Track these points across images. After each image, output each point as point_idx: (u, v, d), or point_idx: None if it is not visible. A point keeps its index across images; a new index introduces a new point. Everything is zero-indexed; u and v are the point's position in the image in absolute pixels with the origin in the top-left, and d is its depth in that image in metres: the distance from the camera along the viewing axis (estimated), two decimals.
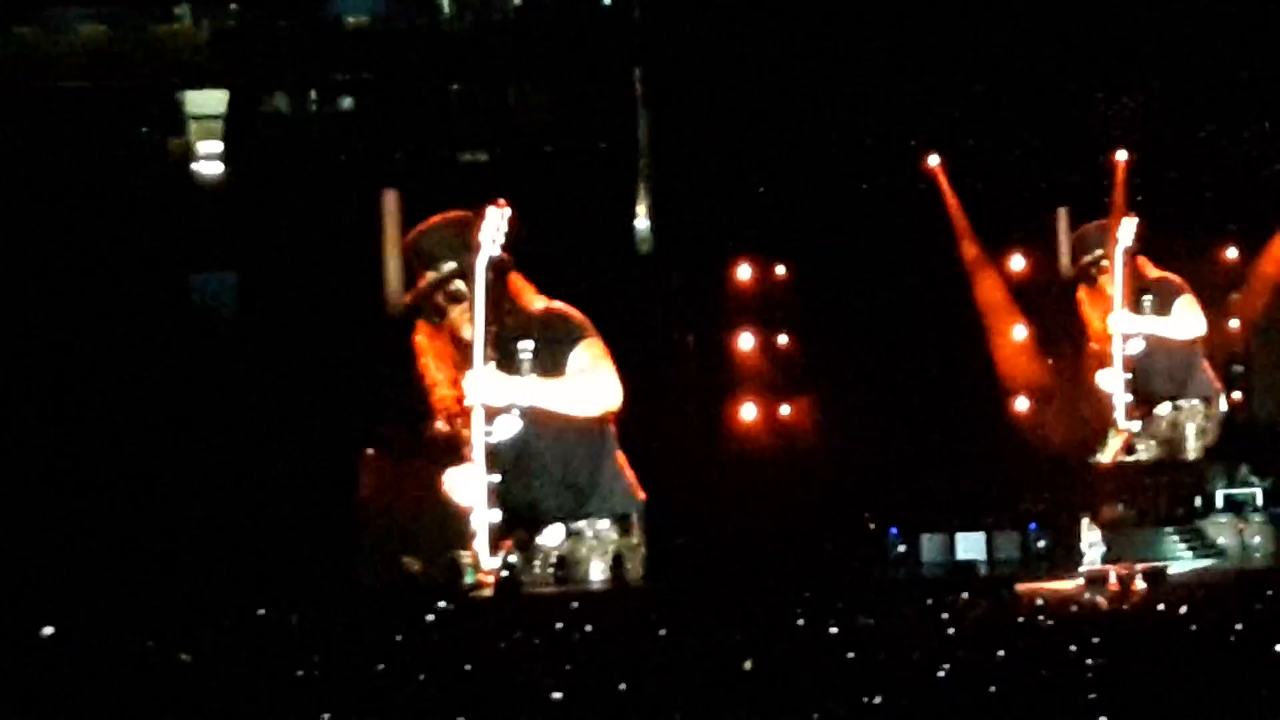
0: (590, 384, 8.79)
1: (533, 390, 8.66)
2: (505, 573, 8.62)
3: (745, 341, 16.81)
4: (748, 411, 16.65)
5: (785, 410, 16.80)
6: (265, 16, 17.37)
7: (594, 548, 8.96)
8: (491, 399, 8.60)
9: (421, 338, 8.93)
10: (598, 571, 8.90)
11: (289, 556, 12.90)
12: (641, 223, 17.09)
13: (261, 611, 7.42)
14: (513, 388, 8.63)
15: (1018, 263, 16.91)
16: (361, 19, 17.80)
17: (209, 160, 17.00)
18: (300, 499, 13.98)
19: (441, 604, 7.86)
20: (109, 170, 16.27)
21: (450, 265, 8.74)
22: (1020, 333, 16.72)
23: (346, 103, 17.92)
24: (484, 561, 8.55)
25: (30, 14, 17.14)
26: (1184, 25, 16.16)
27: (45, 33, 17.20)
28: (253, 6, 17.37)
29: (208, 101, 17.24)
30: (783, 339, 16.93)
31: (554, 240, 13.59)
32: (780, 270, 16.92)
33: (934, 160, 16.86)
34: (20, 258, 15.27)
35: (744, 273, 16.87)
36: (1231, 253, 17.01)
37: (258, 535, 13.68)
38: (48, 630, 6.94)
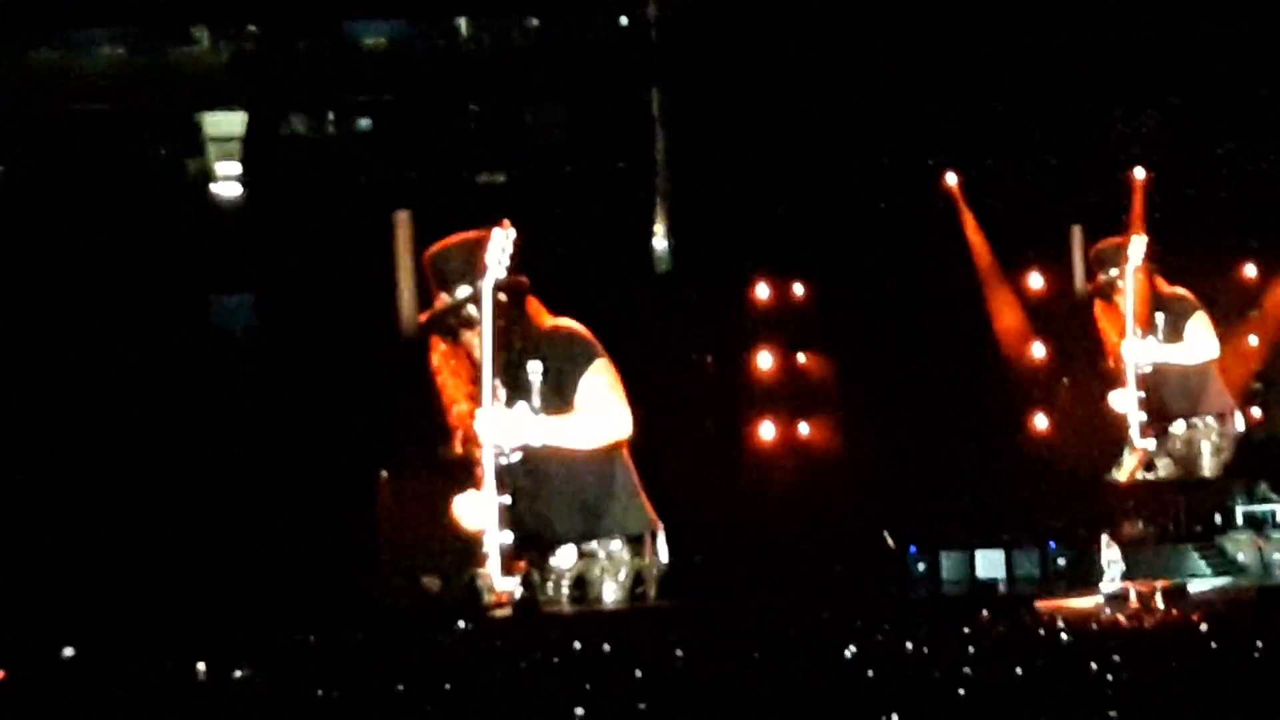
0: (599, 417, 8.72)
1: (542, 430, 8.62)
2: (521, 591, 8.60)
3: (764, 360, 16.81)
4: (767, 430, 16.65)
5: (804, 429, 16.80)
6: (283, 39, 17.41)
7: (607, 569, 8.92)
8: (501, 440, 8.55)
9: (438, 356, 8.89)
10: (611, 593, 8.87)
11: (307, 576, 12.90)
12: (660, 242, 17.10)
13: (280, 634, 7.42)
14: (522, 428, 8.58)
15: (1036, 281, 16.92)
16: (379, 41, 17.85)
17: (227, 181, 17.05)
18: (318, 518, 13.98)
19: (461, 623, 7.86)
20: (128, 192, 16.31)
21: (465, 290, 8.67)
22: (1039, 350, 16.72)
23: (364, 124, 17.96)
24: (498, 584, 8.51)
25: (48, 37, 17.21)
26: (1203, 42, 16.16)
27: (64, 56, 17.27)
28: (271, 29, 17.41)
29: (226, 123, 17.29)
30: (802, 357, 16.94)
31: (572, 260, 13.65)
32: (799, 289, 16.93)
33: (952, 179, 16.87)
34: (39, 279, 15.31)
35: (762, 292, 16.88)
36: (1250, 270, 17.00)
37: (276, 554, 13.68)
38: (68, 651, 6.96)
